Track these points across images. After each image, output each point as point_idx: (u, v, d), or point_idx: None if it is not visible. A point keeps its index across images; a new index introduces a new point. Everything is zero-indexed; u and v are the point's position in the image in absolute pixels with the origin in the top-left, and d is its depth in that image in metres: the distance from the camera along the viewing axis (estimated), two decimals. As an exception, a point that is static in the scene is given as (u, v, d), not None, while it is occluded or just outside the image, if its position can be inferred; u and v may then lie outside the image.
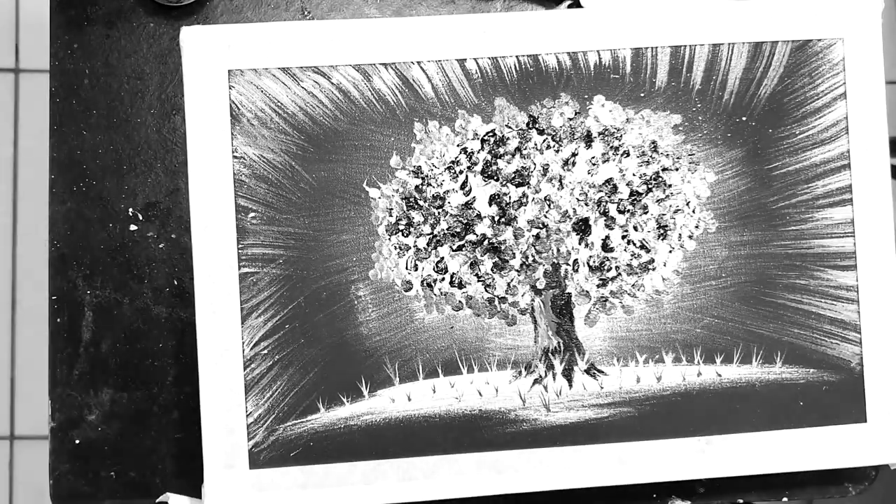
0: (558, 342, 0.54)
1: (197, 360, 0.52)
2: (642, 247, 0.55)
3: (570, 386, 0.54)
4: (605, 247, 0.54)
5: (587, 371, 0.54)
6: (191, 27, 0.53)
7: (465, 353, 0.54)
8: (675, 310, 0.55)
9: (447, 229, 0.54)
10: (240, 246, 0.53)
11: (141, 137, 0.56)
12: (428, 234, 0.54)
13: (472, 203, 0.54)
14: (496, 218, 0.54)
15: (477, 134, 0.54)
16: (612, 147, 0.55)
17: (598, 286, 0.54)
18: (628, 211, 0.55)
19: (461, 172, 0.54)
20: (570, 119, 0.54)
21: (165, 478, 0.56)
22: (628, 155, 0.55)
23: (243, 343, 0.52)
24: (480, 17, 0.54)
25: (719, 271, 0.55)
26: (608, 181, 0.55)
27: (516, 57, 0.54)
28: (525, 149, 0.54)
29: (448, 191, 0.54)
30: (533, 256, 0.54)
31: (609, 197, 0.54)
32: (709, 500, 0.57)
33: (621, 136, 0.55)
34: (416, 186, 0.54)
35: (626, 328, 0.54)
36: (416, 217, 0.54)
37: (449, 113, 0.54)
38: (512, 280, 0.54)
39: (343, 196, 0.53)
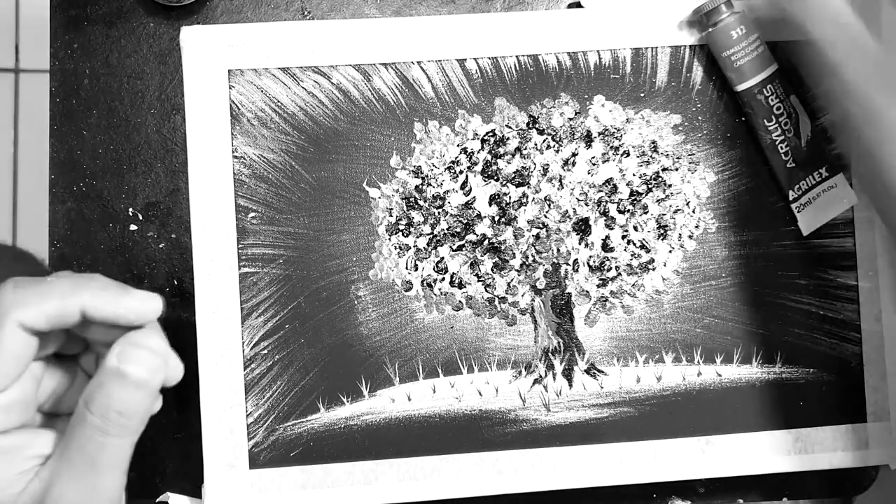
0: (558, 342, 0.54)
1: (197, 360, 0.52)
2: (642, 247, 0.55)
3: (571, 386, 0.54)
4: (605, 247, 0.54)
5: (587, 371, 0.54)
6: (191, 27, 0.53)
7: (465, 353, 0.54)
8: (675, 310, 0.55)
9: (447, 229, 0.54)
10: (240, 246, 0.53)
11: (141, 137, 0.56)
12: (428, 234, 0.54)
13: (472, 203, 0.54)
14: (496, 218, 0.54)
15: (477, 134, 0.54)
16: (612, 147, 0.55)
17: (598, 286, 0.54)
18: (628, 211, 0.55)
19: (461, 172, 0.54)
20: (570, 119, 0.54)
21: (165, 478, 0.55)
22: (628, 155, 0.55)
23: (243, 343, 0.52)
24: (480, 17, 0.54)
25: (719, 271, 0.55)
26: (608, 181, 0.55)
27: (516, 57, 0.54)
28: (525, 149, 0.54)
29: (448, 191, 0.54)
30: (533, 256, 0.54)
31: (609, 197, 0.54)
32: (709, 500, 0.57)
33: (621, 136, 0.55)
34: (416, 186, 0.54)
35: (626, 328, 0.54)
36: (416, 217, 0.54)
37: (449, 113, 0.54)
38: (512, 280, 0.54)
39: (343, 196, 0.53)
